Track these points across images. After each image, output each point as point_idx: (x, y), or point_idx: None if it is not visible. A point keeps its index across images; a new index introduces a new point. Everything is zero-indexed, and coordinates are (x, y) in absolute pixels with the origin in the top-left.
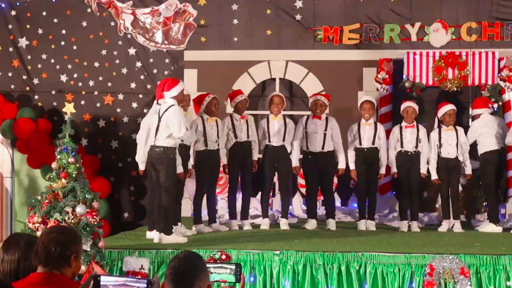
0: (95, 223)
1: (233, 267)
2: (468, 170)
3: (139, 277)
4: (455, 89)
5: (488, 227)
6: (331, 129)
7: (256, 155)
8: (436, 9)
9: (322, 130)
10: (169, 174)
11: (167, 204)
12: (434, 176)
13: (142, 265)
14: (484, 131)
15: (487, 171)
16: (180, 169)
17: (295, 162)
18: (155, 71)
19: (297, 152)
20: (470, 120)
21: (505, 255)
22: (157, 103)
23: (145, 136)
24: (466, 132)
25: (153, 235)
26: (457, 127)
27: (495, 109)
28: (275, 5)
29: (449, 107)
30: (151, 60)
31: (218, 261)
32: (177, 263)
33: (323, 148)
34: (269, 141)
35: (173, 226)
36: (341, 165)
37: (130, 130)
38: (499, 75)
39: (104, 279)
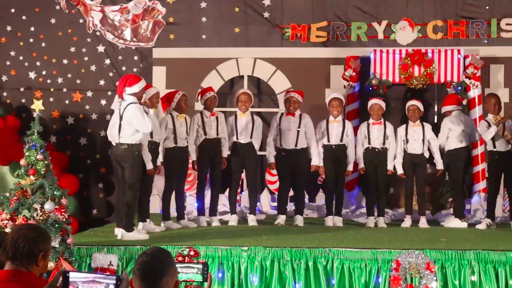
0: (64, 219)
1: (200, 266)
2: (439, 165)
3: (108, 273)
4: (421, 87)
5: (453, 222)
6: (305, 126)
7: (226, 152)
8: (403, 7)
9: (296, 127)
10: (133, 171)
11: (131, 201)
12: (399, 171)
13: (110, 262)
14: (455, 128)
15: (455, 167)
16: (150, 166)
17: (270, 159)
18: (124, 68)
19: (272, 149)
20: (436, 117)
21: (470, 250)
22: (119, 99)
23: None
24: (433, 128)
25: (118, 232)
26: (424, 124)
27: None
28: (243, 3)
29: (410, 103)
30: (120, 57)
31: (186, 258)
32: (145, 259)
33: (296, 145)
34: (237, 138)
35: (139, 222)
36: (314, 162)
37: (99, 127)
38: (464, 72)
39: (73, 276)
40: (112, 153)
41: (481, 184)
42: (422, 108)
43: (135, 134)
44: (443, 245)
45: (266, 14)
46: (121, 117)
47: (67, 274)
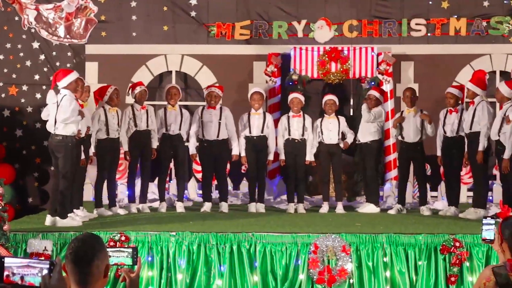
0: (0, 207)
1: (130, 250)
2: (350, 140)
3: (43, 258)
4: (338, 82)
5: (367, 208)
6: (225, 118)
7: (155, 143)
8: (321, 7)
9: (217, 120)
10: (67, 161)
11: (64, 190)
12: (309, 158)
13: (45, 247)
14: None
15: (370, 157)
16: (82, 156)
17: (192, 150)
18: (58, 63)
19: (194, 140)
20: (352, 110)
21: (382, 234)
22: (54, 93)
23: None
24: (348, 120)
25: (48, 219)
26: (340, 117)
27: None
28: (172, 2)
29: (328, 98)
30: (54, 53)
31: (118, 243)
32: (77, 244)
33: (218, 136)
34: (166, 130)
35: (73, 210)
36: (235, 152)
37: (34, 119)
38: (377, 68)
39: (8, 261)
40: (48, 143)
41: (393, 173)
42: (337, 102)
43: (69, 126)
44: (358, 229)
45: (193, 13)
46: (57, 108)
47: (2, 260)
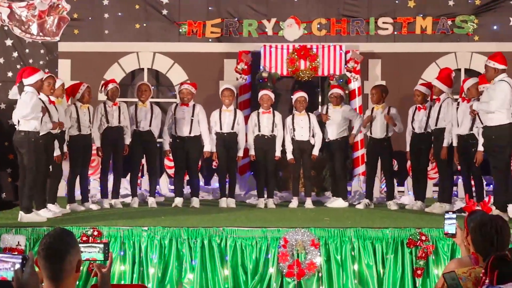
0: None
1: (102, 246)
2: (315, 152)
3: (16, 253)
4: (307, 79)
5: (336, 202)
6: (198, 115)
7: (128, 140)
8: (290, 6)
9: (190, 116)
10: (31, 156)
11: (30, 184)
12: (289, 156)
13: (19, 242)
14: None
15: (340, 153)
16: (57, 152)
17: (166, 146)
18: (31, 61)
19: (167, 137)
20: (320, 107)
21: (350, 228)
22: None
23: None
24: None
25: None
26: (310, 114)
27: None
28: (143, 1)
29: (298, 95)
30: (27, 50)
31: (90, 237)
32: (49, 240)
33: (190, 133)
34: (137, 127)
35: (46, 205)
36: (207, 148)
37: (7, 116)
38: (345, 66)
39: None
40: (13, 140)
41: (361, 168)
42: (307, 99)
43: (31, 122)
44: (326, 224)
45: (164, 11)
46: (19, 105)
47: None
